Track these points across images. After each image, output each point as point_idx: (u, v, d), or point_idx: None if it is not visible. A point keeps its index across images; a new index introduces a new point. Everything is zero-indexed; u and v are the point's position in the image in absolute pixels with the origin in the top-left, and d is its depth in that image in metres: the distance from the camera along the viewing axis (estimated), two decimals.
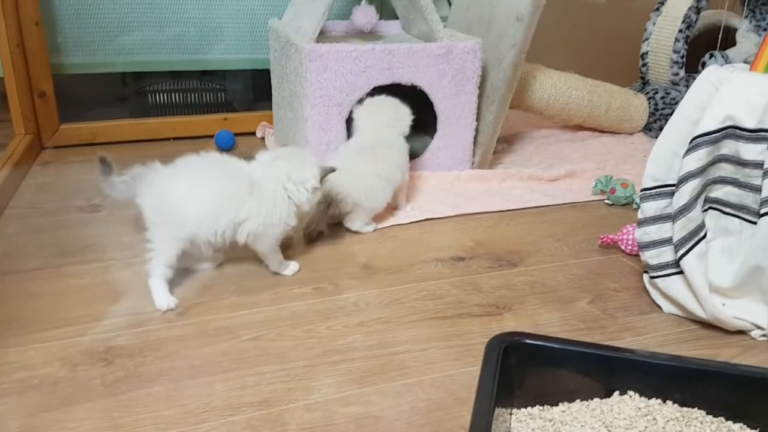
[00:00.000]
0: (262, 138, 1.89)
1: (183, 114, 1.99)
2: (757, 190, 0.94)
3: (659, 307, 1.07)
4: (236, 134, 1.86)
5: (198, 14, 1.86)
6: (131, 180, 1.09)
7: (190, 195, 1.05)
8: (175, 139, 1.87)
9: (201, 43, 1.90)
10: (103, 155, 1.10)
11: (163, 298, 1.04)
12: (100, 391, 0.85)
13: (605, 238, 1.27)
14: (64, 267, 1.15)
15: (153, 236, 1.06)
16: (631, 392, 0.78)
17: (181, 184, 1.06)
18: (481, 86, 1.58)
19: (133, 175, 1.09)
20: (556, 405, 0.79)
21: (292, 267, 1.17)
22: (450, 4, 2.00)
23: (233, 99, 2.07)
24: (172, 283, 1.07)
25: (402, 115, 1.39)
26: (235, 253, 1.22)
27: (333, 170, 1.16)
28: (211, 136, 1.83)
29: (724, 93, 0.94)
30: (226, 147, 1.80)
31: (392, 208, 1.40)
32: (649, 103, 1.97)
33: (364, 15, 1.65)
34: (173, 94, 2.00)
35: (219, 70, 2.02)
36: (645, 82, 2.05)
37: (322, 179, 1.13)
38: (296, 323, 1.01)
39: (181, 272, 1.15)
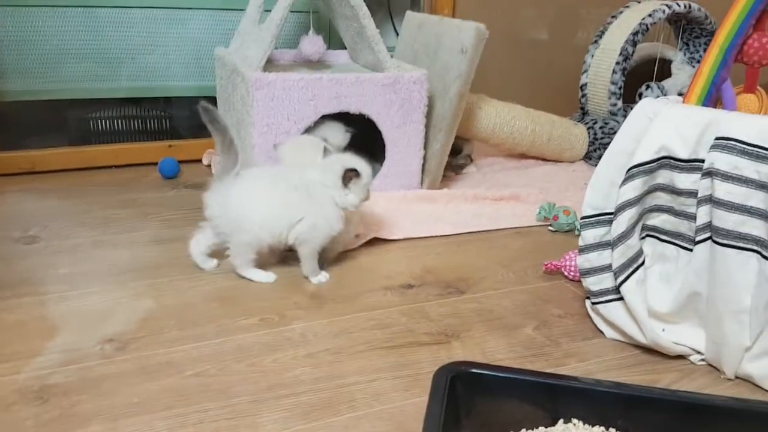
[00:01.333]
0: (209, 165, 1.87)
1: (126, 141, 1.95)
2: (692, 218, 0.98)
3: (602, 332, 1.10)
4: (182, 161, 1.84)
5: (143, 41, 1.84)
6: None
7: (254, 202, 1.17)
8: (117, 167, 1.83)
9: (146, 70, 1.87)
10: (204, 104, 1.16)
11: (263, 276, 1.21)
12: None
13: (549, 265, 1.30)
14: None
15: (230, 244, 1.20)
16: (575, 420, 0.79)
17: (245, 194, 1.17)
18: (428, 115, 1.60)
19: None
20: None
21: (320, 277, 1.23)
22: (397, 35, 2.03)
23: (179, 126, 2.04)
24: (108, 316, 1.04)
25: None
26: (177, 285, 1.19)
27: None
28: (155, 164, 1.80)
29: (658, 124, 0.98)
30: (170, 175, 1.77)
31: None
32: (589, 133, 2.03)
33: (312, 44, 1.65)
34: (116, 121, 1.96)
35: (164, 97, 1.99)
36: (584, 113, 2.12)
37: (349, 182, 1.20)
38: (241, 357, 0.99)
39: (118, 305, 1.11)
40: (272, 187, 1.20)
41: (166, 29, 1.85)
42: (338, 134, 1.56)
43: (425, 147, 1.63)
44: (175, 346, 1.01)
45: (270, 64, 1.70)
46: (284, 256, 1.29)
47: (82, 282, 1.19)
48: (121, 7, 1.78)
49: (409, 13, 1.88)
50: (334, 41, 1.95)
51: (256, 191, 1.19)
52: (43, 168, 1.75)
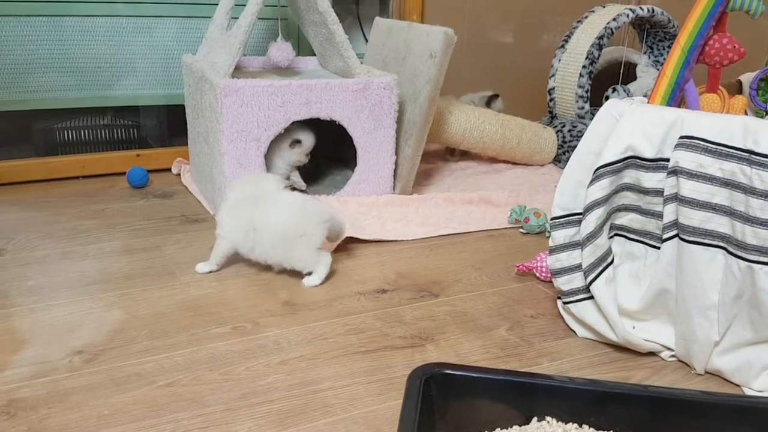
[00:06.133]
0: (178, 174, 1.85)
1: (93, 151, 1.92)
2: (659, 216, 1.00)
3: (574, 331, 1.11)
4: (151, 171, 1.82)
5: (109, 50, 1.82)
6: None
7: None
8: (84, 177, 1.80)
9: (112, 79, 1.85)
10: None
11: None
12: None
13: (521, 266, 1.31)
14: None
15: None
16: (548, 418, 0.80)
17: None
18: (399, 121, 1.61)
19: None
20: None
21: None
22: (366, 41, 2.04)
23: (147, 135, 2.01)
24: (77, 327, 1.02)
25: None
26: (148, 294, 1.18)
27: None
28: (123, 173, 1.77)
29: (623, 125, 0.99)
30: (139, 184, 1.75)
31: None
32: (558, 136, 2.06)
33: (281, 51, 1.65)
34: (83, 131, 1.93)
35: (131, 106, 1.96)
36: (553, 116, 2.14)
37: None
38: (214, 366, 0.98)
39: (87, 316, 1.09)
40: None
41: (133, 38, 1.83)
42: (310, 137, 1.57)
43: (396, 152, 1.63)
44: (146, 356, 0.99)
45: (238, 71, 1.69)
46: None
47: (51, 294, 1.17)
48: (86, 16, 1.76)
49: (377, 19, 1.89)
50: (303, 48, 1.95)
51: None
52: (8, 180, 1.72)
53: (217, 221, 1.29)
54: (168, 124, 2.04)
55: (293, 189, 1.53)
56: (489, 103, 2.10)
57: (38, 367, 0.95)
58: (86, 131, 1.93)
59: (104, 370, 0.95)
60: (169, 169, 1.88)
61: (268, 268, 1.28)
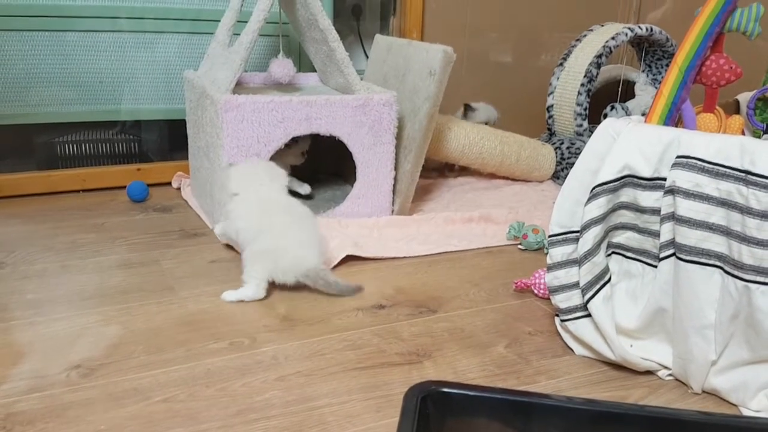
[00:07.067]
0: (178, 188, 1.86)
1: (94, 165, 1.92)
2: (656, 235, 1.00)
3: (571, 349, 1.11)
4: (151, 185, 1.82)
5: (111, 65, 1.83)
6: None
7: None
8: (84, 191, 1.81)
9: (114, 94, 1.86)
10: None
11: None
12: None
13: (519, 283, 1.31)
14: None
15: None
16: None
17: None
18: (398, 137, 1.62)
19: None
20: None
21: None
22: (367, 58, 2.05)
23: (147, 149, 2.02)
24: (75, 342, 1.02)
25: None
26: (146, 309, 1.18)
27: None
28: (124, 187, 1.78)
29: (621, 144, 1.00)
30: (139, 198, 1.75)
31: None
32: (556, 153, 2.07)
33: (282, 67, 1.66)
34: (83, 145, 1.94)
35: (133, 120, 1.97)
36: (551, 133, 2.15)
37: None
38: (211, 381, 0.97)
39: (85, 330, 1.09)
40: None
41: (135, 53, 1.84)
42: (306, 137, 1.59)
43: (396, 168, 1.64)
44: (143, 371, 0.99)
45: (240, 87, 1.70)
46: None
47: (50, 307, 1.17)
48: (89, 31, 1.77)
49: (378, 37, 1.90)
50: (304, 64, 1.97)
51: None
52: (9, 193, 1.72)
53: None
54: (169, 139, 2.05)
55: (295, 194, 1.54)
56: (466, 113, 2.10)
57: (36, 381, 0.95)
58: (87, 145, 1.94)
59: (101, 385, 0.95)
60: (170, 183, 1.89)
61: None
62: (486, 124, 2.06)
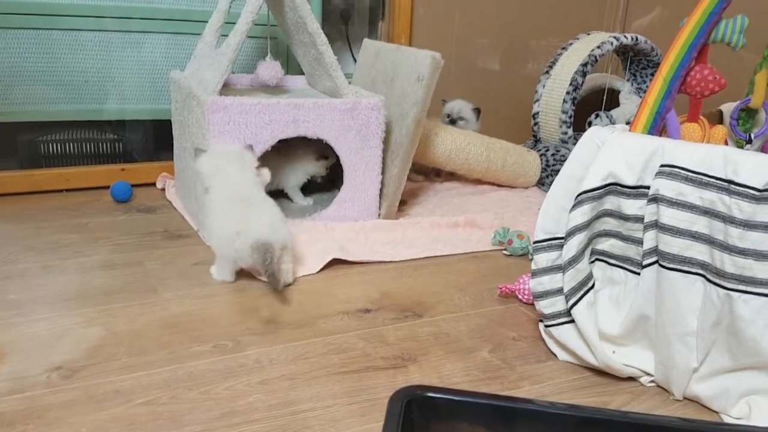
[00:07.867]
0: (163, 189, 1.85)
1: (78, 165, 1.91)
2: (639, 242, 1.01)
3: (555, 355, 1.11)
4: (135, 185, 1.81)
5: (96, 64, 1.82)
6: None
7: None
8: (68, 190, 1.79)
9: (99, 93, 1.85)
10: None
11: None
12: None
13: (504, 288, 1.32)
14: None
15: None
16: None
17: None
18: (386, 141, 1.62)
19: None
20: None
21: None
22: (355, 62, 2.06)
23: (132, 149, 2.00)
24: (57, 343, 1.01)
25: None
26: (128, 311, 1.17)
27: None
28: (107, 188, 1.77)
29: (605, 152, 1.01)
30: (122, 199, 1.74)
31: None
32: (541, 160, 2.08)
33: (269, 69, 1.66)
34: (68, 144, 1.92)
35: (117, 120, 1.96)
36: (537, 140, 2.17)
37: None
38: (193, 384, 0.97)
39: (67, 332, 1.08)
40: None
41: (121, 53, 1.83)
42: (334, 156, 1.61)
43: (383, 172, 1.64)
44: (125, 373, 0.98)
45: (226, 89, 1.69)
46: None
47: (31, 308, 1.16)
48: (74, 29, 1.76)
49: (366, 41, 1.90)
50: (291, 67, 1.96)
51: None
52: None
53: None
54: (154, 139, 2.03)
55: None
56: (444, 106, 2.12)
57: (16, 383, 0.94)
58: (71, 144, 1.92)
59: (83, 387, 0.94)
60: (154, 184, 1.87)
61: (251, 285, 1.27)
62: (460, 119, 2.07)
